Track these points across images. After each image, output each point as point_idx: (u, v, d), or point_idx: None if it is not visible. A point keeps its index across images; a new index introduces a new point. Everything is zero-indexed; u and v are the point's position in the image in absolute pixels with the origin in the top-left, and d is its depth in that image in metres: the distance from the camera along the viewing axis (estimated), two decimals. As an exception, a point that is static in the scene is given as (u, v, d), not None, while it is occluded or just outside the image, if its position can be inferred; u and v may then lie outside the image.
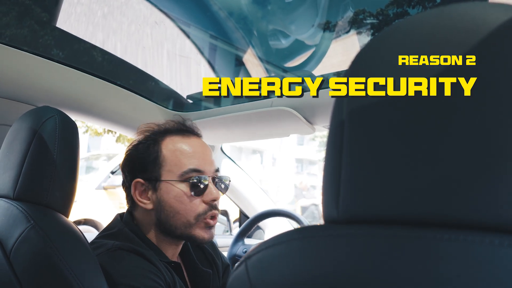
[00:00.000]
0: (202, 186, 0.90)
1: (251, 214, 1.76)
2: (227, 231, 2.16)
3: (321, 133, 1.25)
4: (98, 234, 0.88)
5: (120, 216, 0.92)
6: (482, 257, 0.25)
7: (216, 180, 0.94)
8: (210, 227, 0.90)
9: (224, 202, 1.93)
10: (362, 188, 0.32)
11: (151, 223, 0.89)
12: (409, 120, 0.30)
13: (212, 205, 0.90)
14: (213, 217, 0.91)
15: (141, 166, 0.91)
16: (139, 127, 0.96)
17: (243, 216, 1.87)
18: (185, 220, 0.88)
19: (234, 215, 2.06)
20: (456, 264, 0.26)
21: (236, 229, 1.89)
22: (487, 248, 0.25)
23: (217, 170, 0.95)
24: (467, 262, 0.26)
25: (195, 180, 0.89)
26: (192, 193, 0.88)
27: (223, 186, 0.97)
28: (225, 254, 1.41)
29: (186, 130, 0.96)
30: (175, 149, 0.91)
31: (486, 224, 0.26)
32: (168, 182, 0.89)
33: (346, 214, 0.33)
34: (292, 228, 0.37)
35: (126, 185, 0.92)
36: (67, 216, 0.74)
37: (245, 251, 1.55)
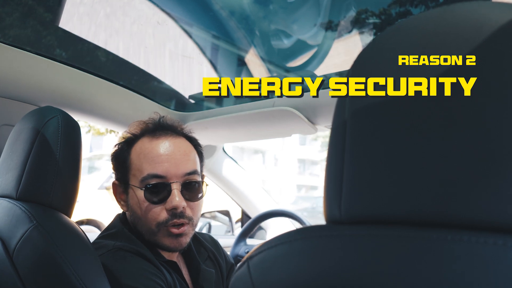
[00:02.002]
0: (162, 193, 0.83)
1: (253, 214, 1.76)
2: (229, 231, 2.16)
3: (323, 133, 1.24)
4: (99, 235, 0.89)
5: (120, 216, 0.92)
6: (486, 257, 0.25)
7: (186, 186, 0.85)
8: (175, 235, 0.83)
9: (226, 202, 1.94)
10: (365, 188, 0.32)
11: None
12: (411, 121, 0.30)
13: (174, 213, 0.83)
14: (179, 226, 0.83)
15: (116, 168, 0.91)
16: (129, 125, 0.93)
17: (245, 216, 1.87)
18: (147, 227, 0.84)
19: (236, 215, 2.06)
20: (460, 265, 0.26)
21: (238, 230, 1.89)
22: (491, 248, 0.25)
23: (192, 173, 0.86)
24: (471, 262, 0.26)
25: (153, 187, 0.83)
26: (152, 200, 0.83)
27: (193, 193, 0.86)
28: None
29: (160, 129, 0.90)
30: (140, 153, 0.86)
31: (490, 224, 0.26)
32: (132, 188, 0.86)
33: (348, 214, 0.33)
34: (294, 229, 0.37)
35: None
36: (69, 216, 0.74)
37: (247, 252, 1.55)
